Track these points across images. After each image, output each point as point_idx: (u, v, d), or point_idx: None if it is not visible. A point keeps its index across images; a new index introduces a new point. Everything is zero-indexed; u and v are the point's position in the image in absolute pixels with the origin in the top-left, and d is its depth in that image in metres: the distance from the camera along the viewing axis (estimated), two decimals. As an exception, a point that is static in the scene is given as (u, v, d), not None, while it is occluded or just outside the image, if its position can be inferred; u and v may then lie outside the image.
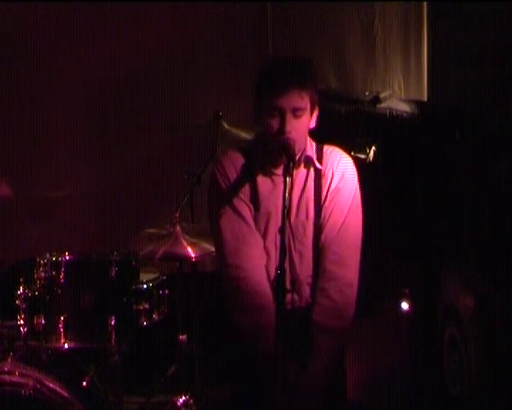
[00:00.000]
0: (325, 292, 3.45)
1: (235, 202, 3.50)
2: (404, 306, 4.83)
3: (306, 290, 3.51)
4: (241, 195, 3.50)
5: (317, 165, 3.51)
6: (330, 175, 3.51)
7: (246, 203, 3.50)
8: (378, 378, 4.78)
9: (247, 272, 3.44)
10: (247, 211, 3.50)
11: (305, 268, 3.50)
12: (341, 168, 3.52)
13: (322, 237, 3.49)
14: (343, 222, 3.49)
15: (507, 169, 4.67)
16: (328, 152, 3.56)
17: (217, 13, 5.47)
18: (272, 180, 3.51)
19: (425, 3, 5.69)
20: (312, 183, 3.51)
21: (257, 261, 3.46)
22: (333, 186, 3.51)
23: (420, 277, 4.84)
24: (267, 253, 3.47)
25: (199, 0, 5.48)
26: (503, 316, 4.38)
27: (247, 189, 3.51)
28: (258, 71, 3.48)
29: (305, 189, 3.51)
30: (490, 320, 4.40)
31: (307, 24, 5.57)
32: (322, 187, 3.51)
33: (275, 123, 3.39)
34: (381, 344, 4.78)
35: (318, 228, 3.49)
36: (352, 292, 3.48)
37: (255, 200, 3.50)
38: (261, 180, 3.52)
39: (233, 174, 3.51)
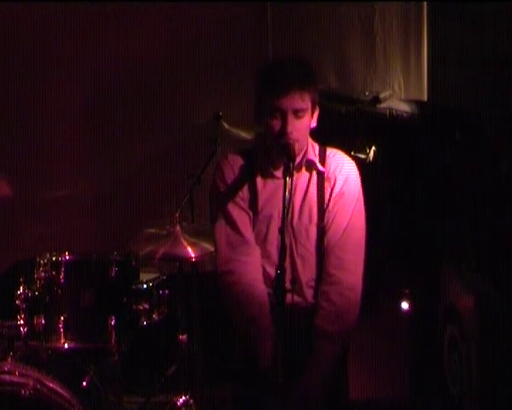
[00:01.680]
0: (327, 296, 3.45)
1: (231, 208, 3.51)
2: (404, 306, 4.83)
3: (309, 292, 3.51)
4: (239, 200, 3.51)
5: (320, 167, 3.51)
6: (333, 179, 3.51)
7: (242, 209, 3.50)
8: (378, 378, 4.78)
9: (241, 277, 3.45)
10: (242, 218, 3.50)
11: (307, 272, 3.50)
12: (345, 172, 3.53)
13: (326, 240, 3.49)
14: (346, 226, 3.49)
15: (507, 169, 4.67)
16: (331, 155, 3.56)
17: (217, 13, 5.47)
18: (273, 183, 3.51)
19: (425, 3, 5.68)
20: (315, 186, 3.51)
21: (250, 267, 3.46)
22: (336, 190, 3.51)
23: (420, 277, 4.84)
24: (269, 255, 3.47)
25: (199, 0, 5.48)
26: (502, 316, 4.38)
27: (246, 192, 3.51)
28: (259, 72, 3.49)
29: (308, 192, 3.51)
30: (490, 320, 4.40)
31: (307, 24, 5.57)
32: (325, 190, 3.51)
33: (276, 124, 3.40)
34: (381, 344, 4.78)
35: (321, 232, 3.49)
36: (355, 296, 3.48)
37: (255, 203, 3.51)
38: (262, 183, 3.52)
39: (231, 179, 3.51)
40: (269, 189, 3.52)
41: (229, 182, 3.51)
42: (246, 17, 5.56)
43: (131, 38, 5.41)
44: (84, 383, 4.00)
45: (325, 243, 3.49)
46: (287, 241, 3.39)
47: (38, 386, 3.68)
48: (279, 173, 3.49)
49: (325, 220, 3.50)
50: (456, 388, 4.64)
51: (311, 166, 3.53)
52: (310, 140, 3.55)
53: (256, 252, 3.48)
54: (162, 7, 5.41)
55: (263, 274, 3.49)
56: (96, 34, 5.38)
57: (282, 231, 3.17)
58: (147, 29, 5.44)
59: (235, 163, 3.55)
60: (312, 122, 3.48)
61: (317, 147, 3.57)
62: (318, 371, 3.41)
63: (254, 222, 3.51)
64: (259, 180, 3.53)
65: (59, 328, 3.95)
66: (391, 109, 4.83)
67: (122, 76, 5.45)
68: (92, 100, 5.46)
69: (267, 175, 3.53)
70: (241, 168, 3.53)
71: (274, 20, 5.61)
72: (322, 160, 3.54)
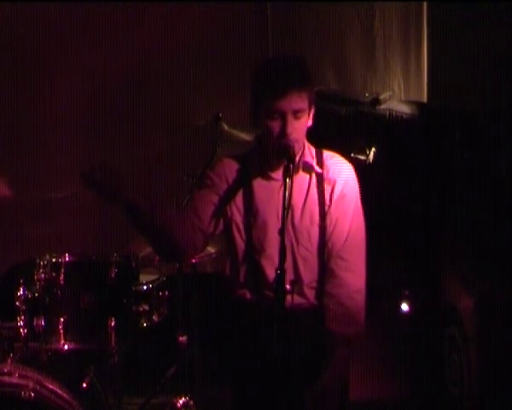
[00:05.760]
0: (337, 299, 3.46)
1: (197, 195, 3.56)
2: (404, 307, 4.84)
3: (311, 293, 3.52)
4: (212, 193, 3.52)
5: (318, 169, 3.52)
6: (333, 181, 3.52)
7: (210, 203, 3.53)
8: (378, 379, 4.79)
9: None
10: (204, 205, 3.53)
11: (308, 273, 3.50)
12: (344, 174, 3.54)
13: (330, 244, 3.50)
14: (349, 228, 3.51)
15: (507, 169, 4.67)
16: (328, 158, 3.56)
17: (217, 13, 5.47)
18: (270, 185, 3.51)
19: (425, 3, 5.67)
20: (315, 188, 3.52)
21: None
22: (337, 193, 3.51)
23: (420, 278, 4.84)
24: (270, 257, 3.46)
25: (199, 0, 5.47)
26: (502, 316, 4.38)
27: (240, 196, 3.51)
28: (255, 74, 3.48)
29: (309, 194, 3.51)
30: (490, 320, 4.41)
31: (307, 24, 5.57)
32: (325, 192, 3.51)
33: (275, 125, 3.40)
34: (382, 345, 4.78)
35: (323, 233, 3.50)
36: (362, 298, 3.52)
37: (251, 206, 3.50)
38: (258, 185, 3.52)
39: (223, 180, 3.52)
40: (266, 190, 3.52)
41: (218, 185, 3.53)
42: (246, 17, 5.56)
43: (131, 38, 5.40)
44: (84, 385, 4.03)
45: (329, 246, 3.50)
46: (288, 242, 3.41)
47: (38, 388, 3.66)
48: (276, 175, 3.50)
49: (327, 223, 3.50)
50: (456, 388, 4.64)
51: (308, 168, 3.53)
52: (306, 142, 3.55)
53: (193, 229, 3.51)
54: (162, 8, 5.41)
55: (263, 276, 3.50)
56: (96, 36, 5.38)
57: (281, 231, 3.16)
58: (146, 30, 5.43)
59: (229, 167, 3.55)
60: (309, 121, 3.49)
61: (313, 149, 3.58)
62: (334, 374, 3.44)
63: (252, 225, 3.51)
64: (256, 182, 3.53)
65: (59, 329, 3.95)
66: (391, 111, 4.82)
67: (122, 78, 5.45)
68: (93, 101, 5.45)
69: (264, 177, 3.53)
70: (236, 172, 3.54)
71: (274, 20, 5.61)
72: (320, 162, 3.55)
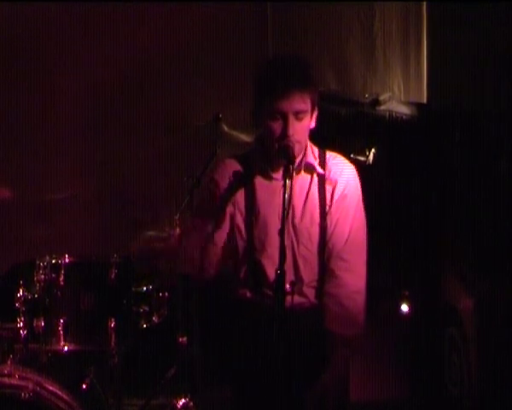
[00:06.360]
0: (336, 299, 3.46)
1: (200, 219, 3.55)
2: (404, 308, 4.84)
3: (311, 293, 3.52)
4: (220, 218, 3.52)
5: (320, 170, 3.52)
6: (334, 181, 3.52)
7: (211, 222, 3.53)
8: (379, 380, 4.79)
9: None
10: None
11: (309, 273, 3.51)
12: (345, 175, 3.54)
13: (331, 244, 3.50)
14: (350, 228, 3.51)
15: (507, 169, 4.67)
16: (331, 158, 3.57)
17: (216, 13, 5.47)
18: (272, 185, 3.51)
19: (425, 4, 5.68)
20: (316, 188, 3.52)
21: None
22: (338, 193, 3.52)
23: (420, 278, 4.84)
24: (272, 258, 3.46)
25: (199, 0, 5.47)
26: (502, 316, 4.38)
27: (242, 196, 3.51)
28: (258, 74, 3.48)
29: (309, 194, 3.52)
30: (490, 320, 4.41)
31: (307, 24, 5.57)
32: (326, 192, 3.52)
33: (277, 126, 3.40)
34: (382, 346, 4.78)
35: (323, 233, 3.50)
36: (362, 298, 3.52)
37: (253, 206, 3.51)
38: (260, 186, 3.52)
39: (226, 183, 3.52)
40: (267, 191, 3.53)
41: (223, 187, 3.52)
42: (246, 17, 5.56)
43: (130, 39, 5.40)
44: (84, 386, 4.02)
45: (330, 246, 3.50)
46: (288, 242, 3.41)
47: (38, 389, 3.67)
48: (278, 175, 3.50)
49: (328, 223, 3.50)
50: (456, 388, 4.65)
51: (310, 168, 3.53)
52: (309, 143, 3.55)
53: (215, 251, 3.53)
54: (161, 7, 5.41)
55: (264, 276, 3.50)
56: (96, 36, 5.38)
57: (281, 232, 3.17)
58: (146, 31, 5.43)
59: (231, 168, 3.55)
60: (312, 123, 3.49)
61: (316, 150, 3.58)
62: (334, 375, 3.44)
63: (253, 225, 3.52)
64: (257, 182, 3.53)
65: (59, 330, 3.95)
66: (390, 111, 4.83)
67: (121, 78, 5.44)
68: (92, 102, 5.45)
69: (265, 177, 3.54)
70: (238, 173, 3.53)
71: (274, 20, 5.61)
72: (322, 163, 3.55)
